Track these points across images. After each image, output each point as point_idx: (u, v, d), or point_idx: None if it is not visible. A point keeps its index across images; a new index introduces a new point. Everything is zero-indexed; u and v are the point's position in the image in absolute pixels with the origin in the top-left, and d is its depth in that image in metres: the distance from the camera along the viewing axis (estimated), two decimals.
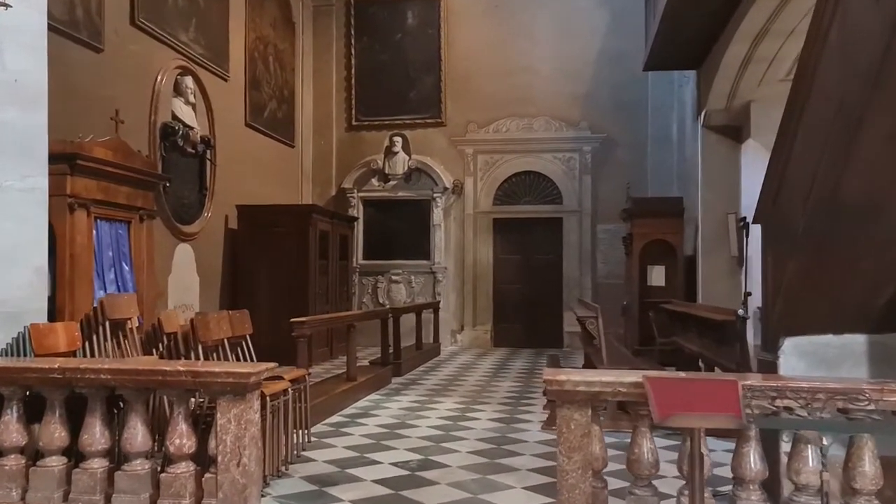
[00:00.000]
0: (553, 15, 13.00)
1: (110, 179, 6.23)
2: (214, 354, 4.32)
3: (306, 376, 4.76)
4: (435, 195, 13.16)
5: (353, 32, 13.59)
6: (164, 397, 3.75)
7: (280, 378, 4.17)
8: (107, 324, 4.54)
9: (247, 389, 3.35)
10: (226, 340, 4.36)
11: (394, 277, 13.24)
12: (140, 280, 6.73)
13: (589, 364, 7.92)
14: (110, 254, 6.27)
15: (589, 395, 3.13)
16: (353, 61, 13.59)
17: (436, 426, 6.08)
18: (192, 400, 3.72)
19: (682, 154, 12.01)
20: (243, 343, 4.64)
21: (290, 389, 4.27)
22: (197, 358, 3.99)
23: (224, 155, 10.12)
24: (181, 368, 3.37)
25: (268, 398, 3.89)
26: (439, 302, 12.52)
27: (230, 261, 10.38)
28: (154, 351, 4.75)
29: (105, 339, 4.47)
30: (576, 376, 3.14)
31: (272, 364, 3.44)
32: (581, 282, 12.89)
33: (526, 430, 5.95)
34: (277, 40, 12.32)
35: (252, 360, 4.73)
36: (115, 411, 3.66)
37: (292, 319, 5.95)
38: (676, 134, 12.54)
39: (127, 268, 6.51)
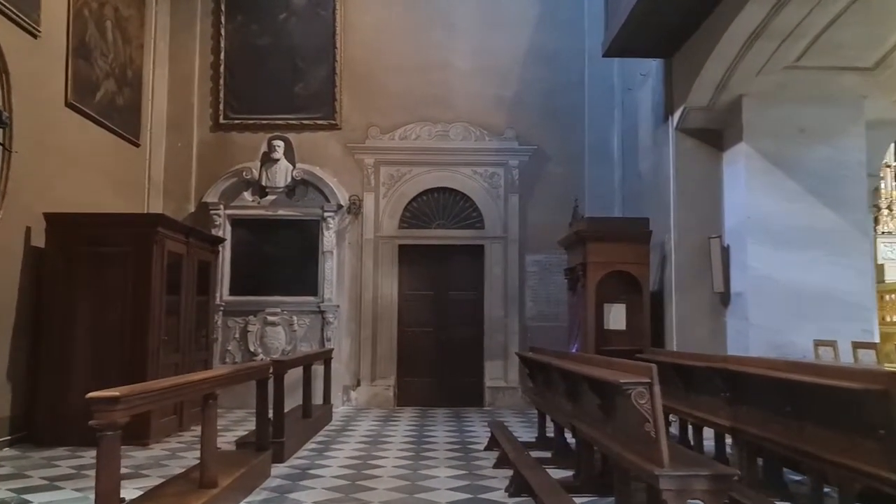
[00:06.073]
0: (476, 1, 10.78)
1: None
2: None
3: None
4: (326, 215, 10.40)
5: (223, 8, 10.73)
6: None
7: None
8: None
9: None
10: None
11: (270, 318, 10.26)
12: None
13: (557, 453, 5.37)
14: None
15: None
16: (222, 43, 10.70)
17: None
18: None
19: (632, 170, 9.96)
20: None
21: None
22: None
23: (28, 141, 7.00)
24: None
25: None
26: (331, 350, 9.66)
27: (32, 291, 7.15)
28: None
29: None
30: None
31: None
32: (507, 324, 10.46)
33: None
34: (119, 2, 9.29)
35: None
36: None
37: (90, 395, 3.06)
38: (619, 148, 10.54)
39: None
